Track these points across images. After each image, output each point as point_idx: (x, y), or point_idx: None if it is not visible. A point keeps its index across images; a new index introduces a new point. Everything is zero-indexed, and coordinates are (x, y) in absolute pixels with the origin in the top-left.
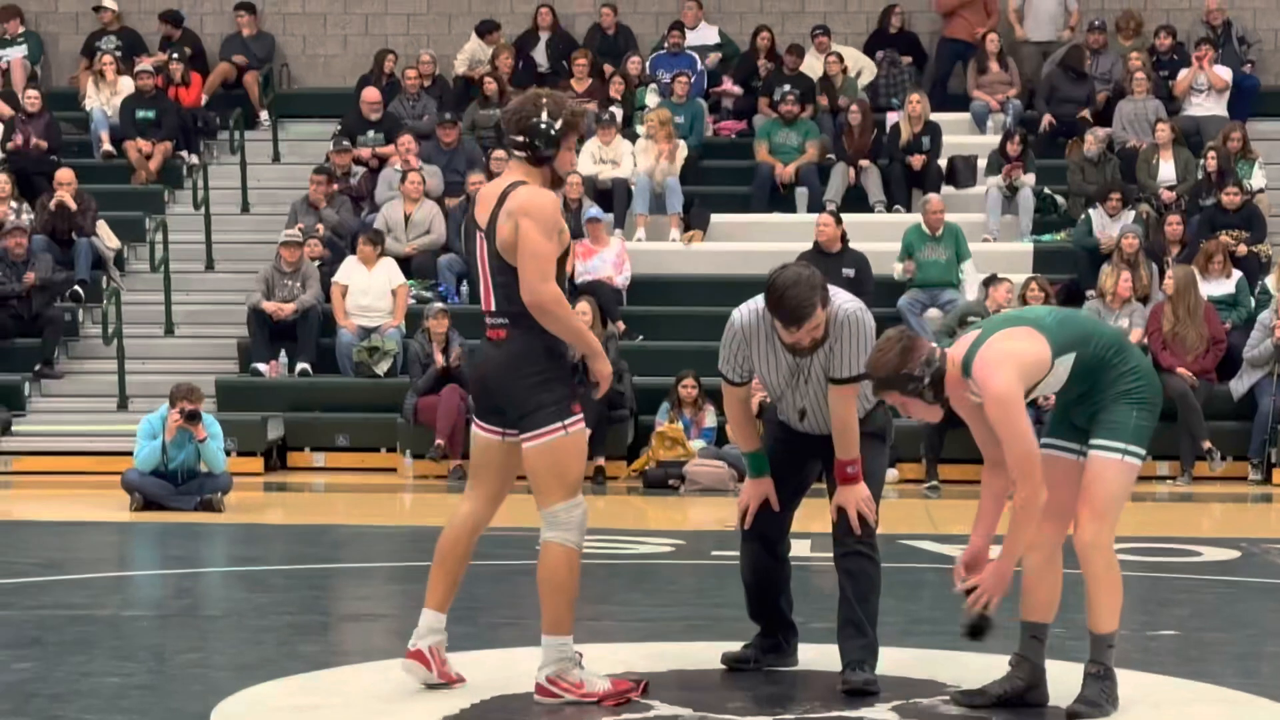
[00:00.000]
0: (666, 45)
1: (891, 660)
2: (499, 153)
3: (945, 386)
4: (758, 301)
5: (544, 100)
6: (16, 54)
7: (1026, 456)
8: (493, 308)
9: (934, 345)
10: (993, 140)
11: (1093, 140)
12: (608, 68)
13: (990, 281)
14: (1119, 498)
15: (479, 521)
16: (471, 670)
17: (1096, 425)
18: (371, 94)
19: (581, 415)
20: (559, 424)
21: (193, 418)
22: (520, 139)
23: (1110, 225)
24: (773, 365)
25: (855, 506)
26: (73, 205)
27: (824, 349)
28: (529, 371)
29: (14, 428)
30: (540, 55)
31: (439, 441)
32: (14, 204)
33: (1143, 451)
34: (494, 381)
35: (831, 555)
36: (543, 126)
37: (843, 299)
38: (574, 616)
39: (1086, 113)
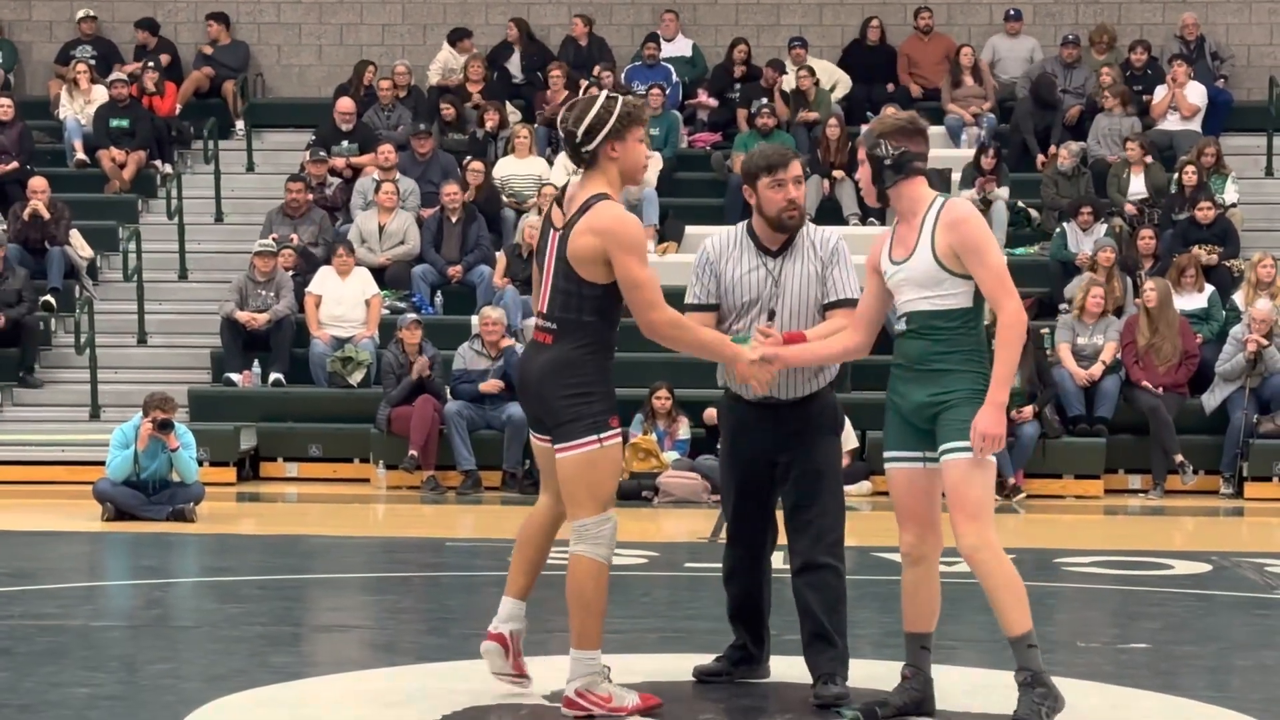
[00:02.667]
0: (643, 57)
1: (864, 673)
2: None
3: (905, 190)
4: (731, 227)
5: (599, 96)
6: None
7: (1006, 274)
8: (544, 309)
9: (928, 173)
10: (967, 154)
11: (1066, 154)
12: (582, 80)
13: None
14: (988, 495)
15: (558, 515)
16: (443, 680)
17: (945, 426)
18: (345, 104)
19: (619, 430)
20: (594, 437)
21: (165, 427)
22: (580, 137)
23: (1083, 239)
24: (744, 274)
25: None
26: (46, 214)
27: (816, 271)
28: (570, 381)
29: None
30: (514, 67)
31: (412, 452)
32: None
33: None
34: (534, 386)
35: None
36: (600, 120)
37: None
38: (602, 630)
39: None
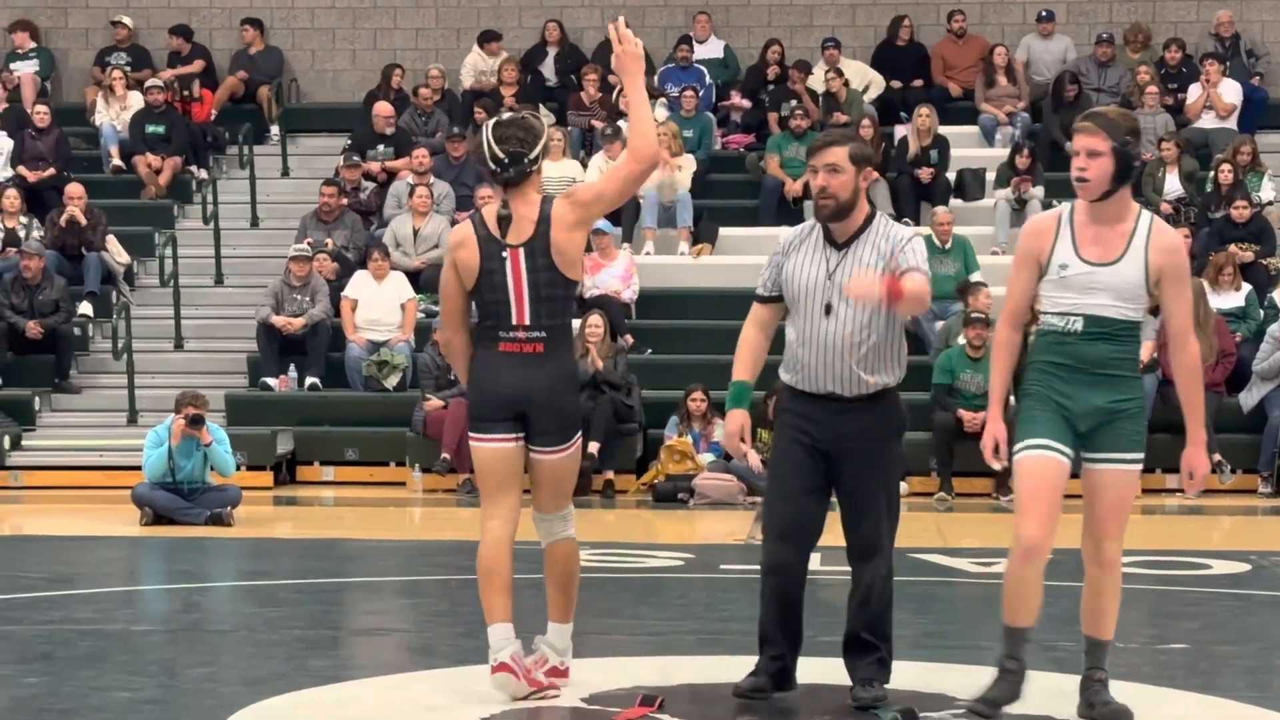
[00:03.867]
0: (675, 59)
1: (901, 674)
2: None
3: (1123, 193)
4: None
5: (538, 120)
6: (27, 69)
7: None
8: (528, 321)
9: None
10: (1001, 153)
11: None
12: (614, 79)
13: (968, 288)
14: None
15: (513, 531)
16: (481, 683)
17: (1119, 435)
18: (384, 108)
19: None
20: (578, 432)
21: (196, 422)
22: (530, 159)
23: None
24: (807, 264)
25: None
26: (83, 220)
27: (878, 268)
28: (572, 387)
29: (24, 442)
30: (548, 70)
31: (445, 455)
32: (23, 219)
33: None
34: (548, 399)
35: (839, 569)
36: (539, 147)
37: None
38: None
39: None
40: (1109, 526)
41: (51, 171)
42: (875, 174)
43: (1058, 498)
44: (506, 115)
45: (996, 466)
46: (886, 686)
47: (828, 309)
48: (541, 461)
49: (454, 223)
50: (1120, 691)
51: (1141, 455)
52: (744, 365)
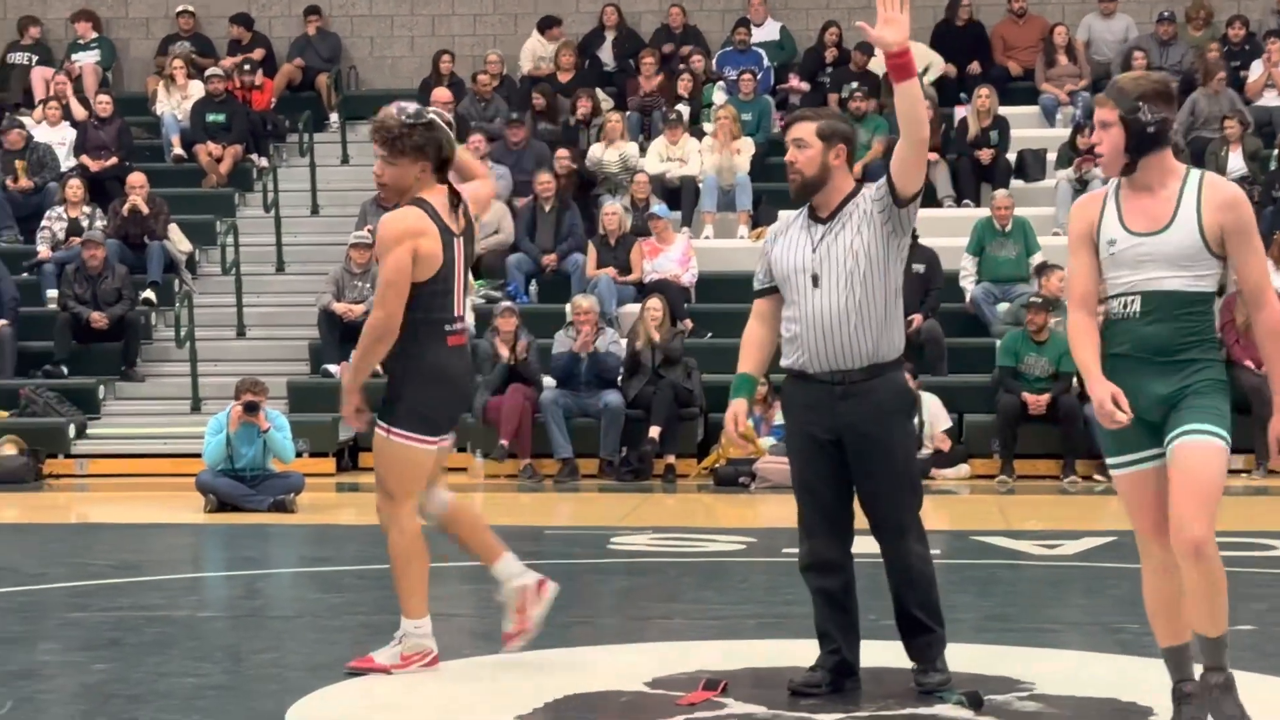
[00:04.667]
0: (733, 42)
1: (965, 657)
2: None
3: (1156, 160)
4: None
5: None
6: (89, 59)
7: (1267, 265)
8: (461, 313)
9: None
10: (1062, 133)
11: None
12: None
13: (1042, 270)
14: (1221, 487)
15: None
16: (543, 668)
17: (1188, 411)
18: (442, 94)
19: None
20: None
21: (251, 408)
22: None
23: None
24: (792, 245)
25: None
26: (145, 209)
27: (862, 239)
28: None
29: (89, 430)
30: (606, 54)
31: (503, 442)
32: (86, 209)
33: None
34: (470, 387)
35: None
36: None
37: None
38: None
39: None
40: (1192, 513)
41: (114, 161)
42: (845, 149)
43: (1164, 508)
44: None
45: (1123, 419)
46: (950, 669)
47: (814, 280)
48: (444, 450)
49: (513, 209)
50: None
51: (1218, 429)
52: (748, 357)
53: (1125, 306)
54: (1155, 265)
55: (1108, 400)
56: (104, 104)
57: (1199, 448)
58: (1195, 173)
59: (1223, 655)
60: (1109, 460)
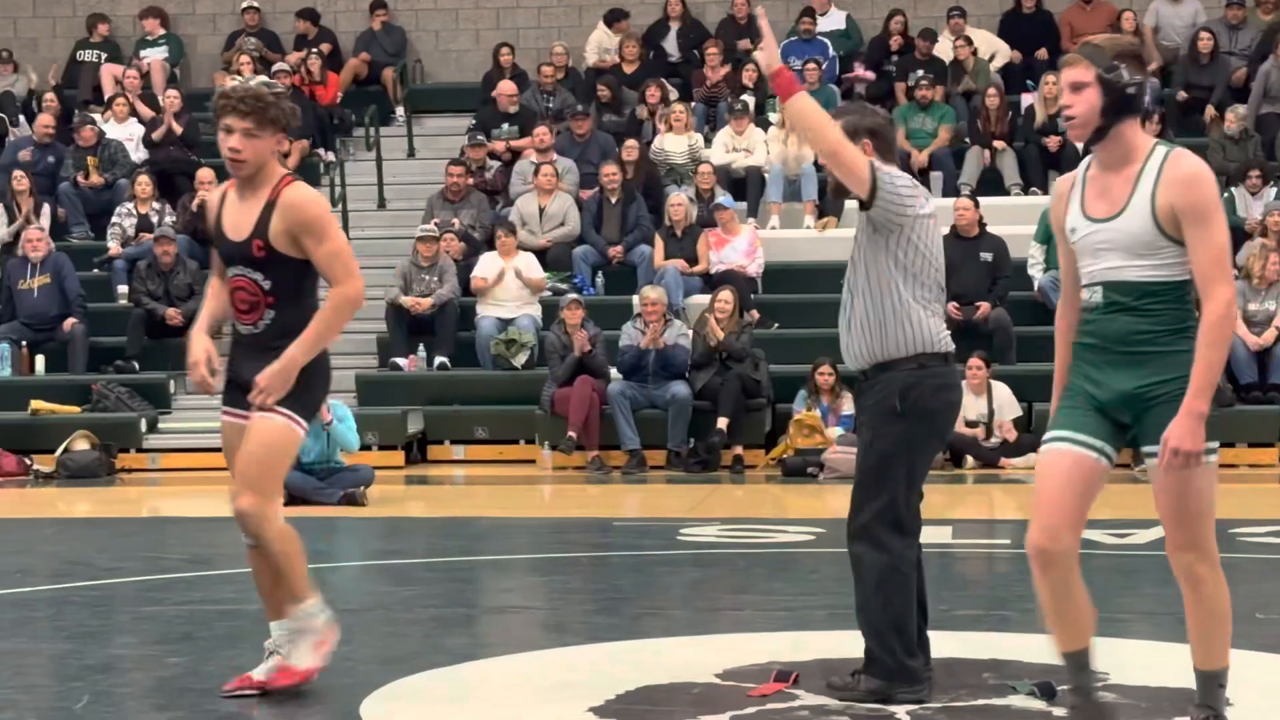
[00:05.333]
0: (798, 32)
1: (1036, 647)
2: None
3: (1125, 132)
4: None
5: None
6: (157, 55)
7: (1227, 255)
8: None
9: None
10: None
11: (1233, 118)
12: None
13: None
14: (1211, 506)
15: None
16: (615, 660)
17: (1160, 424)
18: (507, 87)
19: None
20: None
21: None
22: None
23: (1252, 204)
24: None
25: None
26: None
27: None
28: None
29: (160, 425)
30: (671, 45)
31: (571, 434)
32: (156, 205)
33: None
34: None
35: (971, 542)
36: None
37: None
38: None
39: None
40: (1172, 534)
41: (183, 156)
42: (870, 143)
43: (1069, 494)
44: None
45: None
46: (1023, 661)
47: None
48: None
49: (579, 201)
50: (1260, 662)
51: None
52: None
53: (1090, 297)
54: (1114, 254)
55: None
56: (172, 99)
57: (1170, 470)
58: (1162, 149)
59: (1212, 693)
60: (1044, 437)
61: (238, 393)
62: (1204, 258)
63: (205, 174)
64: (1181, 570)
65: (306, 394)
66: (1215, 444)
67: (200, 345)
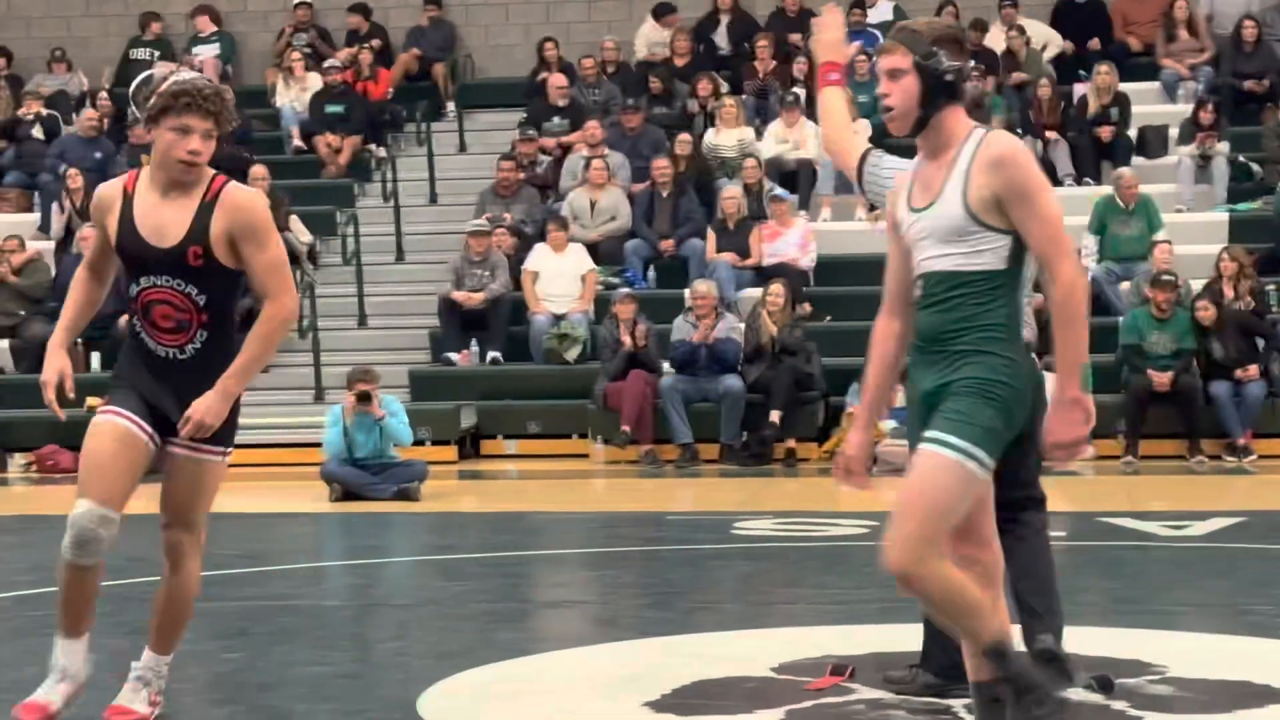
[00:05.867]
0: (848, 23)
1: (1093, 639)
2: None
3: (947, 119)
4: None
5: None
6: (209, 52)
7: (1062, 228)
8: None
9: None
10: (1184, 109)
11: None
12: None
13: (1152, 246)
14: (947, 504)
15: None
16: (668, 654)
17: (937, 416)
18: (558, 80)
19: (101, 410)
20: None
21: (364, 399)
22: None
23: None
24: None
25: None
26: (267, 201)
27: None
28: None
29: None
30: (721, 38)
31: (625, 428)
32: None
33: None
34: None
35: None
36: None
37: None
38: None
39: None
40: (891, 528)
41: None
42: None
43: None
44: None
45: (845, 488)
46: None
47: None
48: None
49: (630, 195)
50: None
51: (956, 440)
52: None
53: (915, 293)
54: (929, 243)
55: (841, 464)
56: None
57: (924, 460)
58: (979, 133)
59: (993, 665)
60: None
61: (150, 411)
62: (1038, 235)
63: (258, 170)
64: (894, 574)
65: (234, 418)
66: (985, 454)
67: (55, 364)
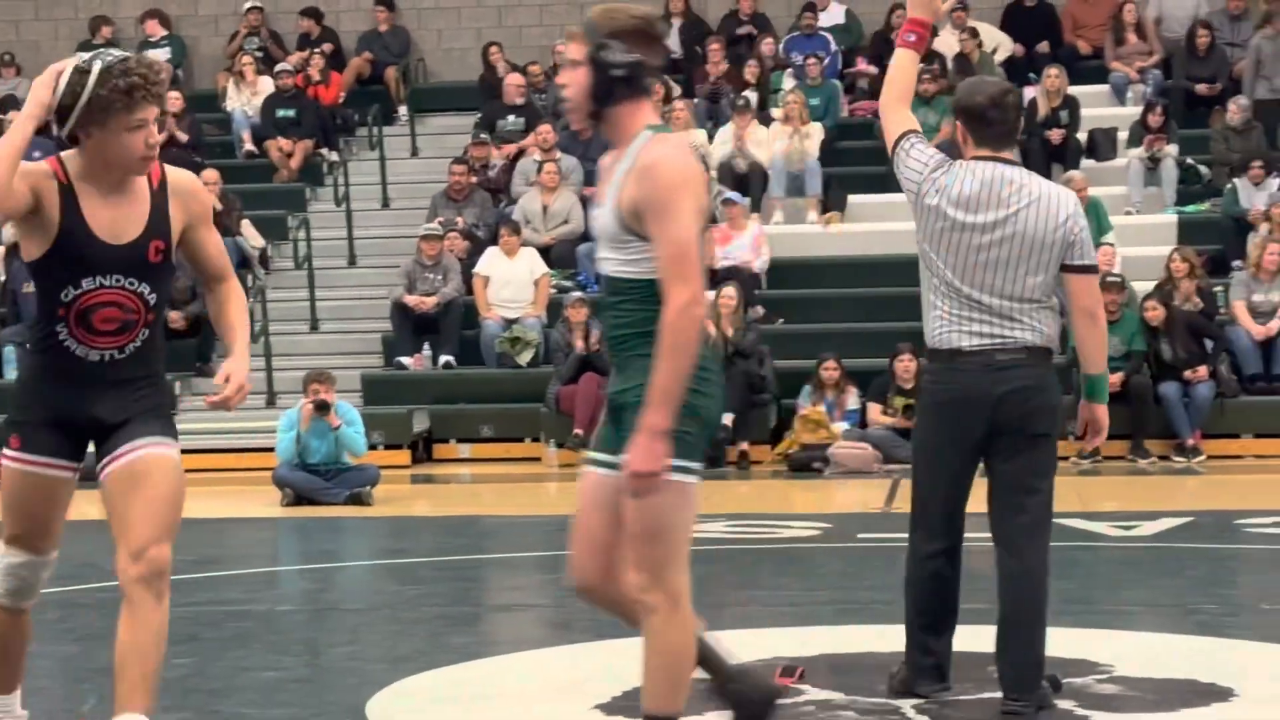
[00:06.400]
0: (800, 27)
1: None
2: None
3: (625, 115)
4: None
5: (70, 68)
6: (160, 56)
7: (689, 251)
8: None
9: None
10: (1133, 112)
11: (1236, 109)
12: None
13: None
14: (671, 528)
15: None
16: (622, 657)
17: (611, 434)
18: (516, 79)
19: (12, 455)
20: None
21: (322, 408)
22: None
23: (1255, 194)
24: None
25: None
26: (218, 205)
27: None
28: None
29: None
30: (673, 41)
31: (577, 431)
32: None
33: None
34: None
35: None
36: (70, 98)
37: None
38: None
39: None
40: (629, 550)
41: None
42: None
43: (599, 522)
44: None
45: None
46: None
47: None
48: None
49: (583, 198)
50: (1265, 652)
51: (676, 459)
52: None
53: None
54: (601, 244)
55: None
56: (175, 101)
57: (616, 481)
58: (645, 134)
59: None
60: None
61: (66, 438)
62: (661, 255)
63: (210, 175)
64: (633, 593)
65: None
66: (692, 464)
67: None
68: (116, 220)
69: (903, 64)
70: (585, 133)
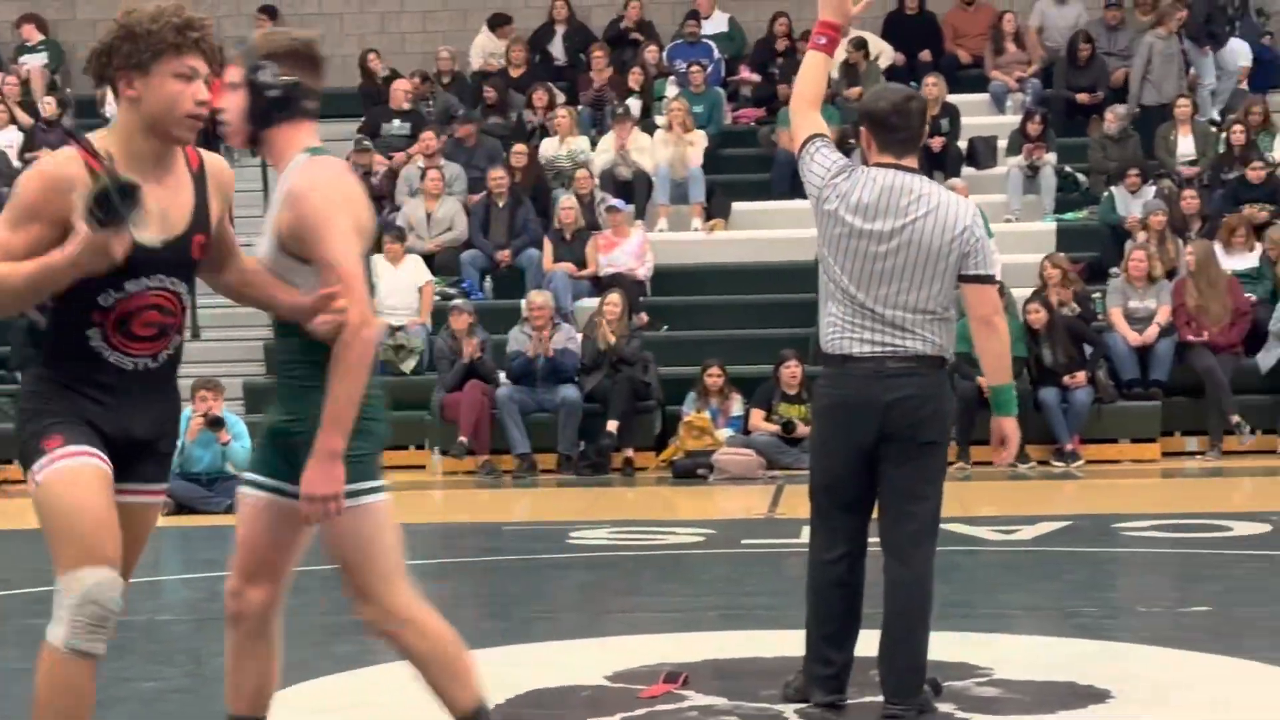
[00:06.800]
0: (683, 35)
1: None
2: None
3: (283, 137)
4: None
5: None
6: (36, 61)
7: (355, 270)
8: None
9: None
10: (1013, 120)
11: (1113, 117)
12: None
13: None
14: (379, 550)
15: None
16: (504, 664)
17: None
18: (404, 84)
19: (61, 452)
20: (33, 468)
21: (216, 424)
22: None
23: (1132, 202)
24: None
25: None
26: None
27: None
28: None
29: None
30: (557, 49)
31: (462, 439)
32: None
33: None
34: None
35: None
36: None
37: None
38: None
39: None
40: (347, 586)
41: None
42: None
43: (256, 541)
44: None
45: None
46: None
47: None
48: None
49: (466, 205)
50: (1143, 654)
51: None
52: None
53: None
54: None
55: None
56: (50, 106)
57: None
58: (300, 158)
59: None
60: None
61: (121, 456)
62: (326, 280)
63: None
64: (370, 632)
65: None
66: (373, 483)
67: None
68: (161, 212)
69: (814, 67)
70: (468, 141)
